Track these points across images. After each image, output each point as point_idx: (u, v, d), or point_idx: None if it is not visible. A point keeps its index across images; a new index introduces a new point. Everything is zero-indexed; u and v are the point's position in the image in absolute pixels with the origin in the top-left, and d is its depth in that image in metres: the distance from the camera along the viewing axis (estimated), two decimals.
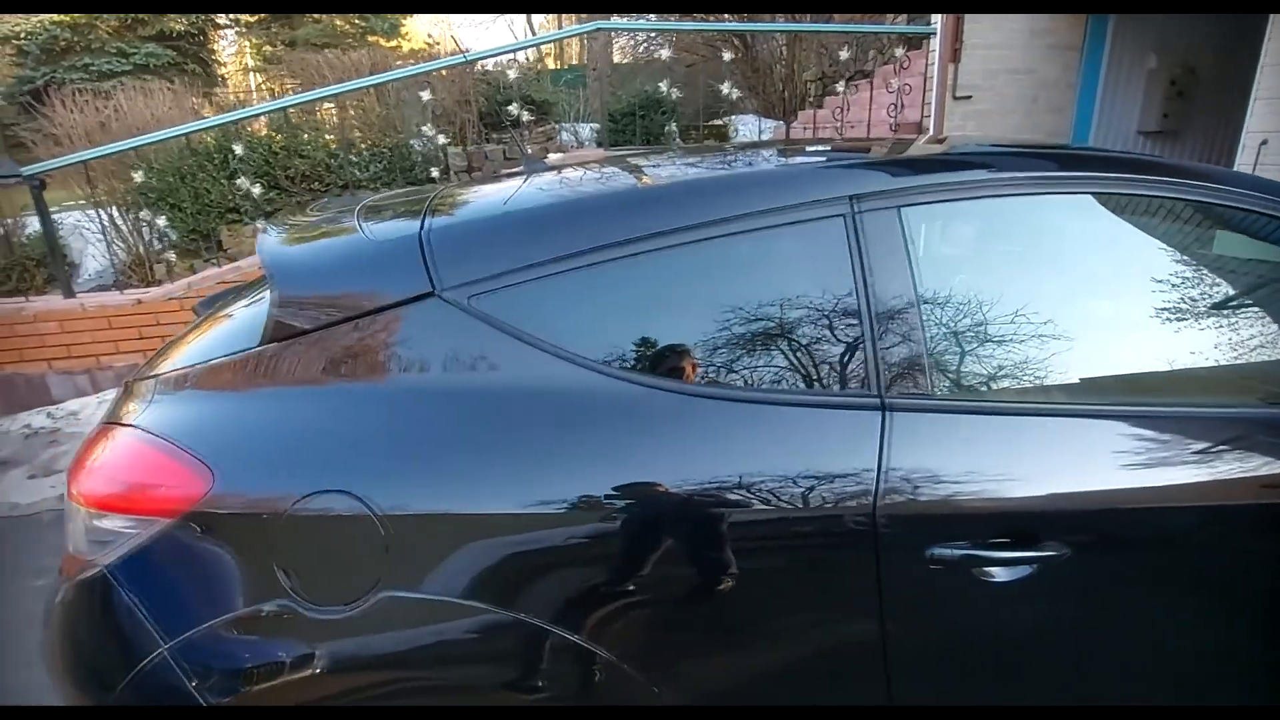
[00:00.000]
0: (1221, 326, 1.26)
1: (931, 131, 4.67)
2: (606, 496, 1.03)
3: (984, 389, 1.17)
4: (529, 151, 1.69)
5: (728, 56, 5.54)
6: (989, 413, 1.10)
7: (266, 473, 1.04)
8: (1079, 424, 1.12)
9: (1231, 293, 1.30)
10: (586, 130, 6.70)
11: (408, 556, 1.01)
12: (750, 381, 1.12)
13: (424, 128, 4.39)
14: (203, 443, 1.06)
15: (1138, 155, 1.24)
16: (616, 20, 4.42)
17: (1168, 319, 1.24)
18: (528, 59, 5.57)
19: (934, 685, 1.13)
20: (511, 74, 4.44)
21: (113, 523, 1.07)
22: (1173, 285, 1.24)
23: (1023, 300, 1.17)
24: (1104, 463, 1.09)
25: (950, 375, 1.15)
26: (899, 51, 5.08)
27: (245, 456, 1.05)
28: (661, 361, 1.13)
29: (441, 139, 4.46)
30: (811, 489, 1.04)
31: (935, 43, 4.55)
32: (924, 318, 1.11)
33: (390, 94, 5.64)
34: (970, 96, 4.58)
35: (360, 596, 1.00)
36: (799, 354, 1.13)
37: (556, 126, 6.38)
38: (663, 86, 4.71)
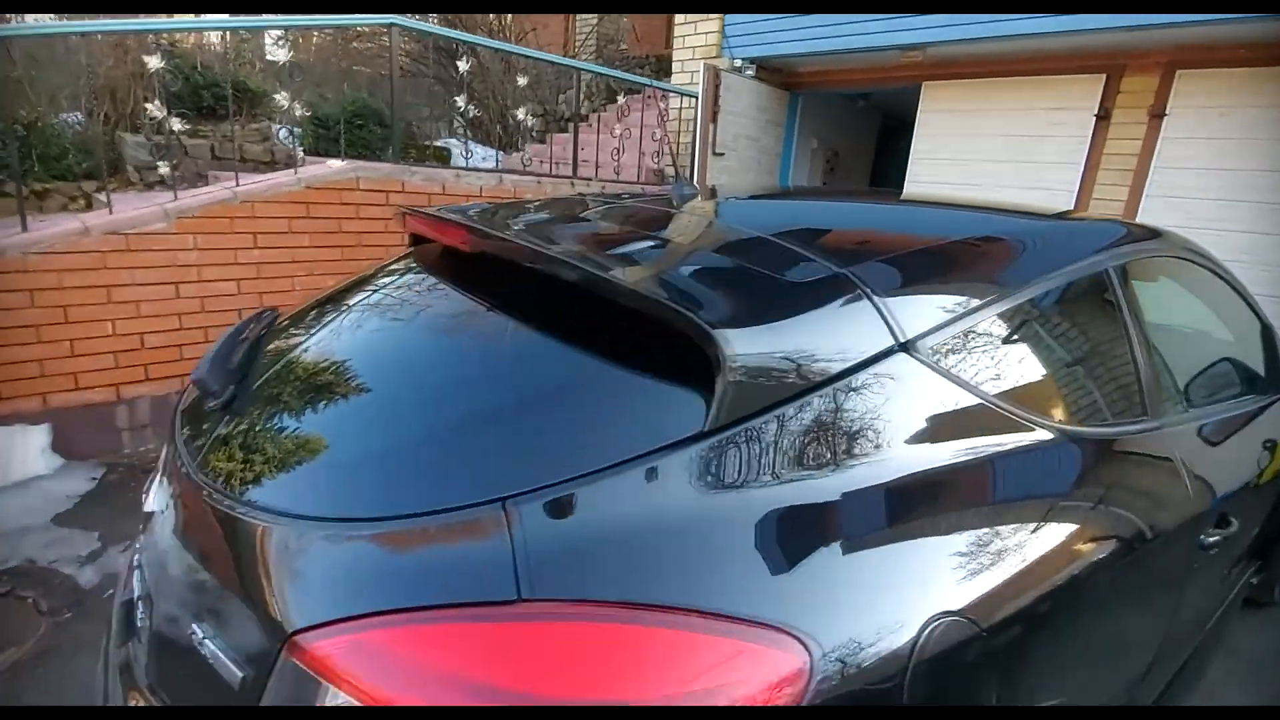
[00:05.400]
0: None
1: (696, 181, 5.24)
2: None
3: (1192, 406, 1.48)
4: (674, 173, 1.44)
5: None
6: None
7: (866, 615, 0.73)
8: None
9: None
10: (283, 133, 5.62)
11: (1010, 659, 0.84)
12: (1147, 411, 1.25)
13: (150, 105, 3.12)
14: (766, 600, 0.69)
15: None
16: (410, 20, 3.82)
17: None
18: (224, 39, 4.35)
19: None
20: (283, 53, 3.45)
21: None
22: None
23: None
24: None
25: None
26: (620, 99, 5.55)
27: (836, 601, 0.72)
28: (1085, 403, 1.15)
29: (176, 123, 3.24)
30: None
31: (699, 103, 5.13)
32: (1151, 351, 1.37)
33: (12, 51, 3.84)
34: (724, 154, 5.29)
35: None
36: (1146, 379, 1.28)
37: (270, 125, 5.20)
38: (460, 100, 4.25)
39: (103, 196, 3.93)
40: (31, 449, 2.93)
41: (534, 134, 7.79)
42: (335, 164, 3.75)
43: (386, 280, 1.28)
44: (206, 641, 0.77)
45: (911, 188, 5.32)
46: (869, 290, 0.94)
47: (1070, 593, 0.98)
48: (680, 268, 0.95)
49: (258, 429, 0.91)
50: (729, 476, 0.77)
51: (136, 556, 1.08)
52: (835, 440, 0.84)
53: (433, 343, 0.97)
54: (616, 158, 5.17)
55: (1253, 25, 3.70)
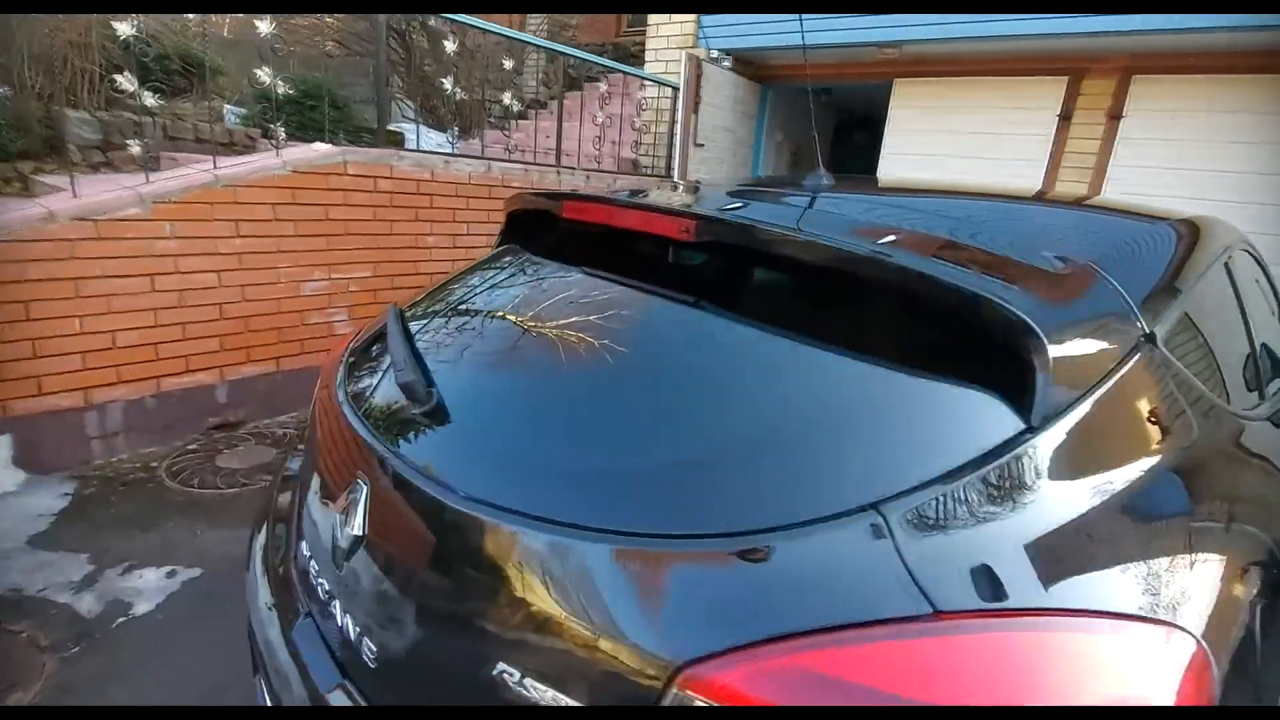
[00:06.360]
0: None
1: (676, 172, 5.22)
2: None
3: None
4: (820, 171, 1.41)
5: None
6: None
7: (1224, 598, 0.74)
8: None
9: None
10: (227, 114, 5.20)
11: None
12: None
13: (120, 76, 2.78)
14: (1146, 597, 0.69)
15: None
16: None
17: None
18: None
19: None
20: (265, 26, 3.13)
21: None
22: None
23: None
24: None
25: None
26: (602, 86, 5.46)
27: (1199, 589, 0.72)
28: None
29: (150, 98, 2.89)
30: None
31: (680, 94, 5.09)
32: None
33: None
34: (704, 145, 5.29)
35: None
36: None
37: (223, 105, 4.79)
38: (447, 82, 4.04)
39: (48, 179, 3.53)
40: None
41: (491, 120, 7.53)
42: (322, 147, 3.49)
43: (552, 275, 1.18)
44: (529, 683, 0.68)
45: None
46: (1114, 282, 0.95)
47: None
48: (963, 262, 0.92)
49: (529, 441, 0.81)
50: (1061, 472, 0.75)
51: (321, 583, 0.95)
52: (1135, 429, 0.84)
53: (706, 345, 0.89)
54: (598, 146, 5.06)
55: (1199, 37, 4.01)
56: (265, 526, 1.36)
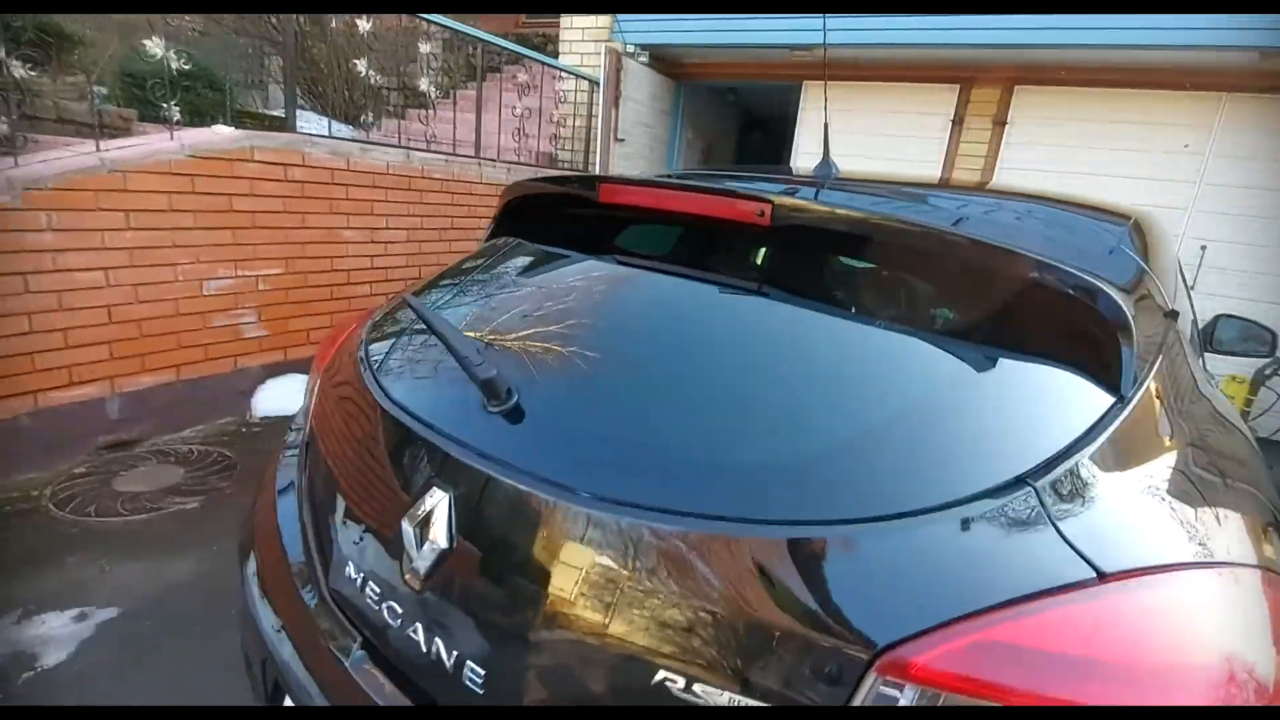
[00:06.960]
0: None
1: (597, 166, 5.17)
2: None
3: None
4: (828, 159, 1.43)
5: None
6: None
7: None
8: None
9: None
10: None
11: None
12: None
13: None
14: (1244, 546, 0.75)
15: None
16: None
17: None
18: None
19: None
20: None
21: None
22: None
23: None
24: None
25: None
26: (521, 77, 5.34)
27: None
28: None
29: (19, 68, 2.46)
30: None
31: (601, 87, 5.04)
32: None
33: None
34: (624, 140, 5.27)
35: None
36: None
37: (91, 84, 4.19)
38: (361, 64, 3.73)
39: None
40: None
41: (389, 109, 7.11)
42: (225, 130, 3.15)
43: (582, 266, 1.11)
44: (699, 689, 0.63)
45: None
46: (1146, 266, 1.03)
47: None
48: (1033, 242, 0.95)
49: (642, 434, 0.75)
50: (1157, 434, 0.80)
51: (391, 606, 0.84)
52: (1179, 399, 0.91)
53: (823, 333, 0.87)
54: (518, 139, 4.92)
55: (1070, 53, 4.48)
56: (254, 552, 1.20)
